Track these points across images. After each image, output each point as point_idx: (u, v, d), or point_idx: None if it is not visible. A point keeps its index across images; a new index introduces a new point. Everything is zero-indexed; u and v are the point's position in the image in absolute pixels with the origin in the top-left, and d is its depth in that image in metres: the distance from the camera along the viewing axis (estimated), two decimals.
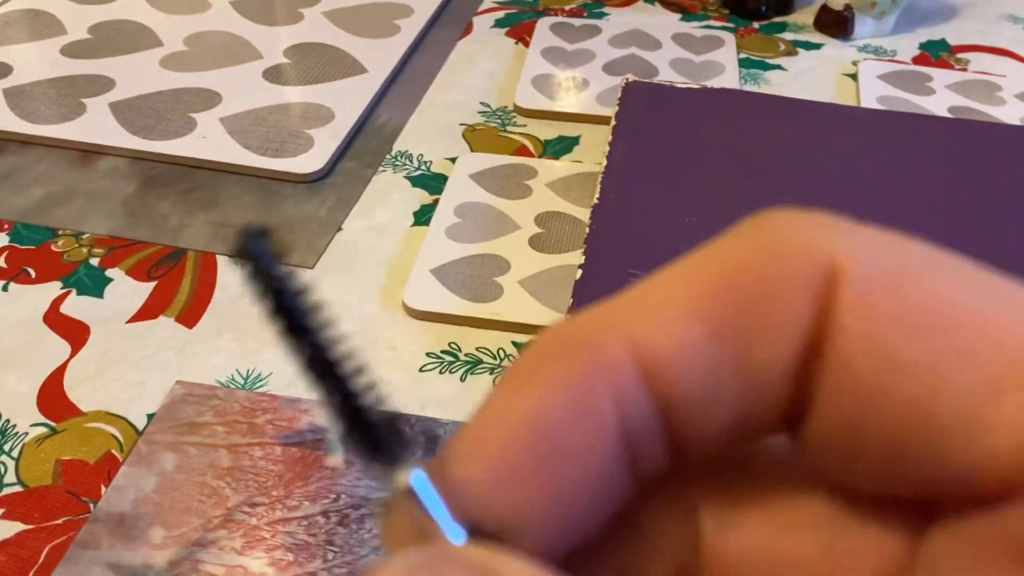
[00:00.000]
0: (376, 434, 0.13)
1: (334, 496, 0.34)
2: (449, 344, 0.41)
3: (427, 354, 0.41)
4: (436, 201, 0.49)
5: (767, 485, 0.14)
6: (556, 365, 0.13)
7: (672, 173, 0.46)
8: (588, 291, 0.39)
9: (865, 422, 0.12)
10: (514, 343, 0.41)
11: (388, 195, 0.50)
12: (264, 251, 0.12)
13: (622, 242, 0.42)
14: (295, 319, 0.12)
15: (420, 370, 0.40)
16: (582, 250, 0.41)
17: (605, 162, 0.47)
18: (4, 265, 0.45)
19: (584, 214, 0.48)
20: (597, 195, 0.44)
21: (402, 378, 0.39)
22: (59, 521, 0.33)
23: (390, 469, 0.13)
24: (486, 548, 0.12)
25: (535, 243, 0.46)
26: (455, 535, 0.12)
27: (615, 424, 0.13)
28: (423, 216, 0.48)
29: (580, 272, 0.40)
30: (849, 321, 0.12)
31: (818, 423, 0.13)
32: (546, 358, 0.13)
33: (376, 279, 0.45)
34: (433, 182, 0.51)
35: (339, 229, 0.48)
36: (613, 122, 0.50)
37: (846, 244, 0.12)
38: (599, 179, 0.46)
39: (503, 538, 0.13)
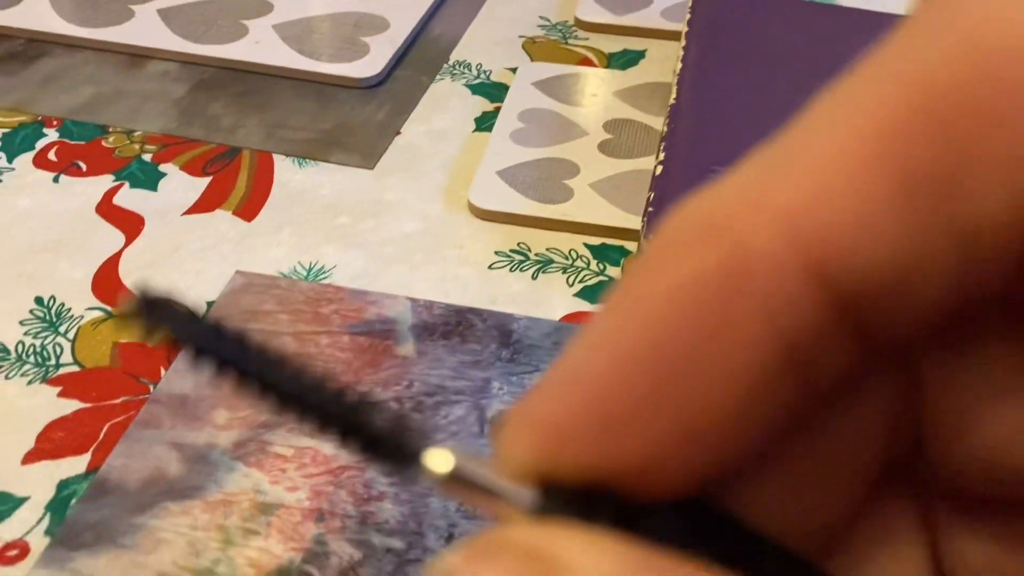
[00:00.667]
0: (380, 433, 0.10)
1: (407, 383, 0.32)
2: (518, 244, 0.39)
3: (496, 252, 0.39)
4: (497, 109, 0.47)
5: (996, 357, 0.11)
6: (681, 265, 0.10)
7: (749, 77, 0.44)
8: (669, 187, 0.37)
9: None
10: (586, 245, 0.39)
11: (447, 102, 0.48)
12: (169, 313, 0.10)
13: (703, 140, 0.39)
14: (237, 364, 0.10)
15: (489, 267, 0.38)
16: (660, 147, 0.39)
17: (680, 65, 0.44)
18: (54, 159, 0.43)
19: (656, 122, 0.46)
20: (674, 96, 0.42)
21: (471, 275, 0.38)
22: (118, 401, 0.32)
23: (415, 463, 0.10)
24: (548, 524, 0.10)
25: (605, 148, 0.44)
26: (523, 504, 0.10)
27: (770, 336, 0.10)
28: (485, 123, 0.46)
29: (660, 168, 0.38)
30: None
31: None
32: (668, 256, 0.10)
33: (439, 181, 0.43)
34: (494, 91, 0.49)
35: (398, 133, 0.46)
36: (686, 28, 0.47)
37: None
38: (674, 81, 0.43)
39: (599, 492, 0.10)
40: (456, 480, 0.10)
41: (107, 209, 0.40)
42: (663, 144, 0.39)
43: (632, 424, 0.10)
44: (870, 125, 0.09)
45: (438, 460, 0.10)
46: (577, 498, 0.10)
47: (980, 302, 0.10)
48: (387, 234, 0.39)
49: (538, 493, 0.10)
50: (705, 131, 0.40)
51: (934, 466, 0.12)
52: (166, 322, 0.10)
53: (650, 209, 0.36)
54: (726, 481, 0.11)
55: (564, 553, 0.09)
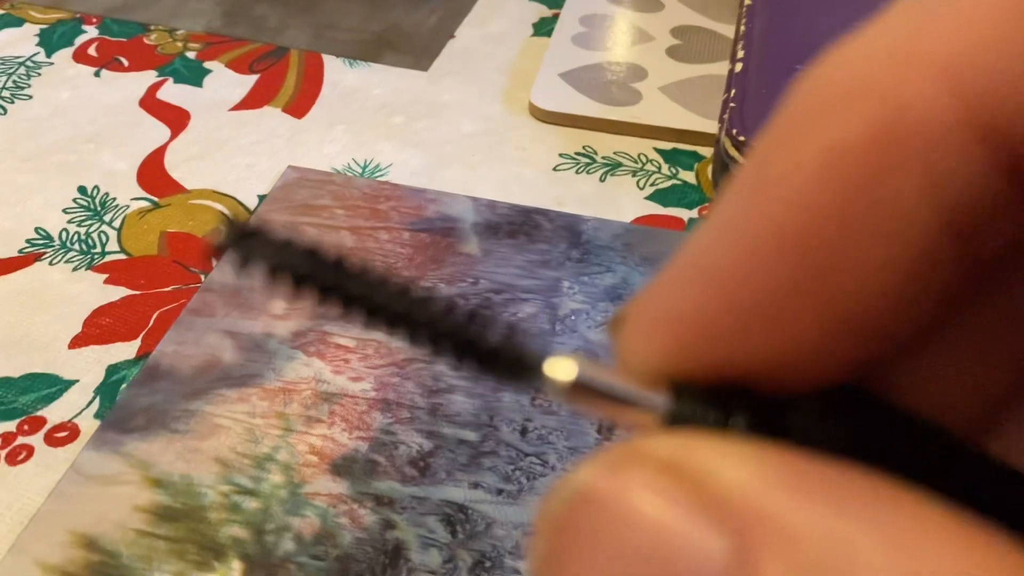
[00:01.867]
0: (497, 346, 0.09)
1: (472, 280, 0.30)
2: (583, 147, 0.37)
3: (560, 155, 0.36)
4: (556, 16, 0.45)
5: None
6: (823, 134, 0.08)
7: None
8: (750, 84, 0.35)
9: None
10: (657, 149, 0.37)
11: (502, 7, 0.45)
12: (263, 243, 0.09)
13: (781, 37, 0.37)
14: (346, 286, 0.09)
15: (554, 169, 0.36)
16: (739, 46, 0.37)
17: None
18: (94, 54, 0.41)
19: (726, 30, 0.43)
20: None
21: (535, 176, 0.35)
22: (167, 289, 0.30)
23: (536, 373, 0.09)
24: (686, 433, 0.09)
25: (674, 53, 0.41)
26: (653, 409, 0.09)
27: (932, 208, 0.08)
28: (544, 28, 0.44)
29: (739, 65, 0.35)
30: None
31: None
32: (806, 125, 0.08)
33: (498, 82, 0.40)
34: None
35: (452, 36, 0.43)
36: None
37: None
38: None
39: (736, 390, 0.09)
40: (580, 389, 0.09)
41: (151, 103, 0.38)
42: (741, 43, 0.37)
43: (774, 315, 0.08)
44: None
45: (560, 369, 0.09)
46: (712, 399, 0.09)
47: None
48: (445, 134, 0.37)
49: (669, 396, 0.09)
50: (783, 29, 0.38)
51: None
52: (261, 252, 0.09)
53: (732, 106, 0.34)
54: (876, 366, 0.10)
55: (706, 465, 0.08)
